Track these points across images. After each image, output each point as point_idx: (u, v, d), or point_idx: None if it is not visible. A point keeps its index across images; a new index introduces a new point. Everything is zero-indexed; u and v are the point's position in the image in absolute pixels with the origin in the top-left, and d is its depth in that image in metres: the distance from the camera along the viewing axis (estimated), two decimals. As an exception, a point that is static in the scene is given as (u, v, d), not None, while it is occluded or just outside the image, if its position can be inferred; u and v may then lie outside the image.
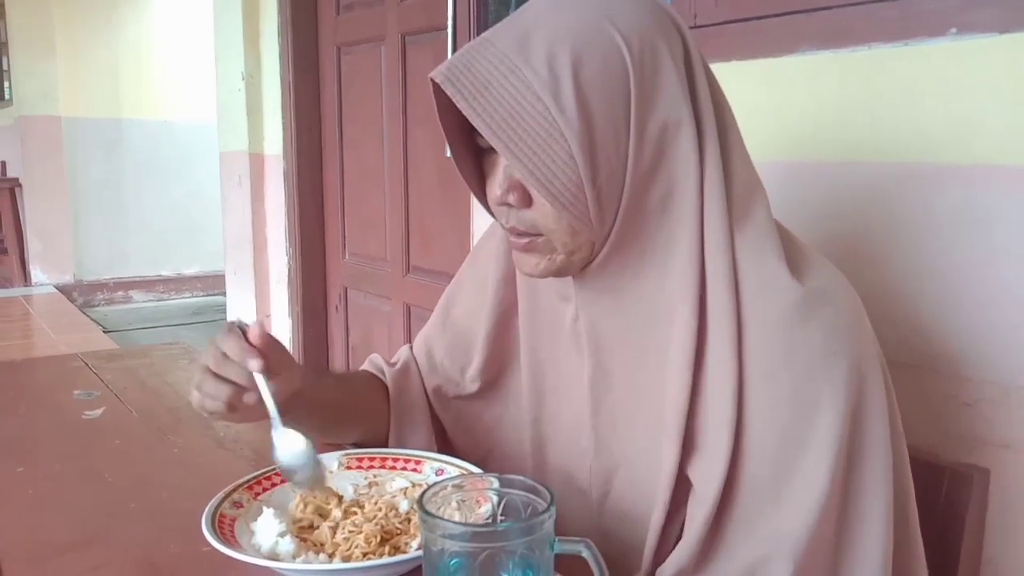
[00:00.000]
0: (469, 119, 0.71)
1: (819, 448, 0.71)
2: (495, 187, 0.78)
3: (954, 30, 1.04)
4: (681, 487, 0.77)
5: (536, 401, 0.93)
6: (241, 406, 0.79)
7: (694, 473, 0.75)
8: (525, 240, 0.78)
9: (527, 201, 0.76)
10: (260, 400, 0.79)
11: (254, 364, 0.78)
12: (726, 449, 0.72)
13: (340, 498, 0.80)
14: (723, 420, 0.72)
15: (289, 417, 0.82)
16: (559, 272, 0.79)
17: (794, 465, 0.71)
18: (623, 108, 0.72)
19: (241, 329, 0.80)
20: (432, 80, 0.75)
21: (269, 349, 0.80)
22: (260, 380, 0.78)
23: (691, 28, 1.37)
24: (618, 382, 0.83)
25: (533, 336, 0.92)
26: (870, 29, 1.13)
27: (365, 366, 1.08)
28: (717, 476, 0.72)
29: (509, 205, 0.77)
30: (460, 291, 1.05)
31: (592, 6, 0.74)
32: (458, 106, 0.71)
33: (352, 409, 0.98)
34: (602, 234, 0.75)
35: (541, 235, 0.77)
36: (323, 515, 0.78)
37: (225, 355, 0.79)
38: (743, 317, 0.73)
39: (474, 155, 0.83)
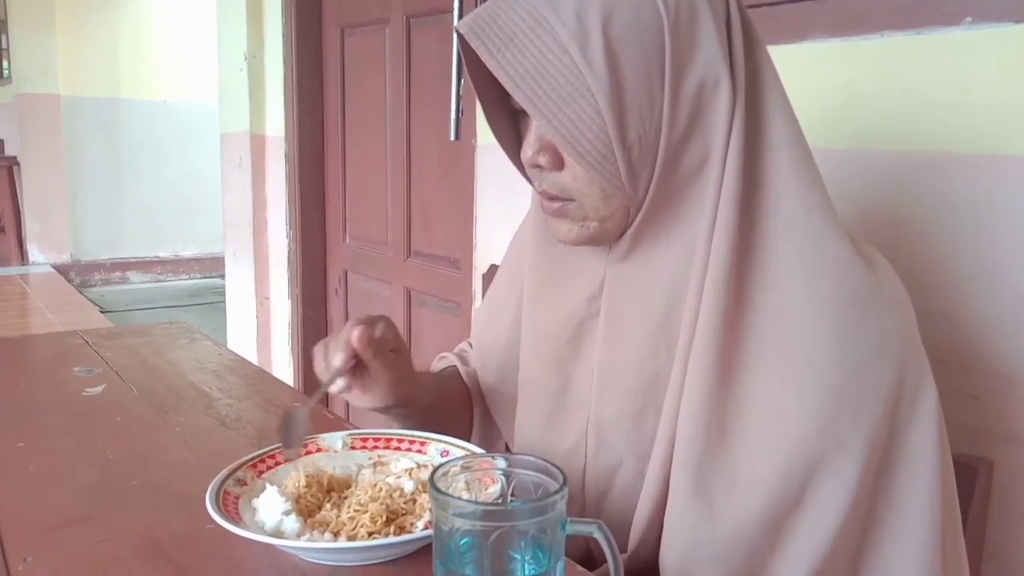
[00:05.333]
0: (493, 72, 0.69)
1: (853, 449, 0.68)
2: (527, 148, 0.75)
3: (969, 19, 1.03)
4: None
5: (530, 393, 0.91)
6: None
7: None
8: (556, 205, 0.75)
9: (559, 163, 0.74)
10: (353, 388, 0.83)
11: (338, 360, 0.80)
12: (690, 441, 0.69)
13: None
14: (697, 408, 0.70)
15: (393, 413, 0.88)
16: (593, 240, 0.77)
17: (828, 464, 0.68)
18: (657, 64, 0.68)
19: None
20: (458, 33, 0.72)
21: (370, 355, 0.81)
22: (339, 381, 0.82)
23: (702, 13, 1.36)
24: (627, 369, 0.79)
25: (536, 324, 0.89)
26: (884, 17, 1.12)
27: (441, 364, 1.08)
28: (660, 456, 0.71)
29: (541, 167, 0.75)
30: (494, 303, 1.03)
31: None
32: (482, 59, 0.69)
33: (446, 412, 0.98)
34: (636, 200, 0.72)
35: (573, 200, 0.74)
36: (321, 494, 0.78)
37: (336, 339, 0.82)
38: (790, 298, 0.69)
39: (511, 117, 0.81)
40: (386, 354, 0.83)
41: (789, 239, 0.71)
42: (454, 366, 1.06)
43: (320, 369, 0.83)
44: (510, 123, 0.81)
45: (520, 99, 0.68)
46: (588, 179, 0.72)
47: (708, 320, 0.70)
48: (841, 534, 0.68)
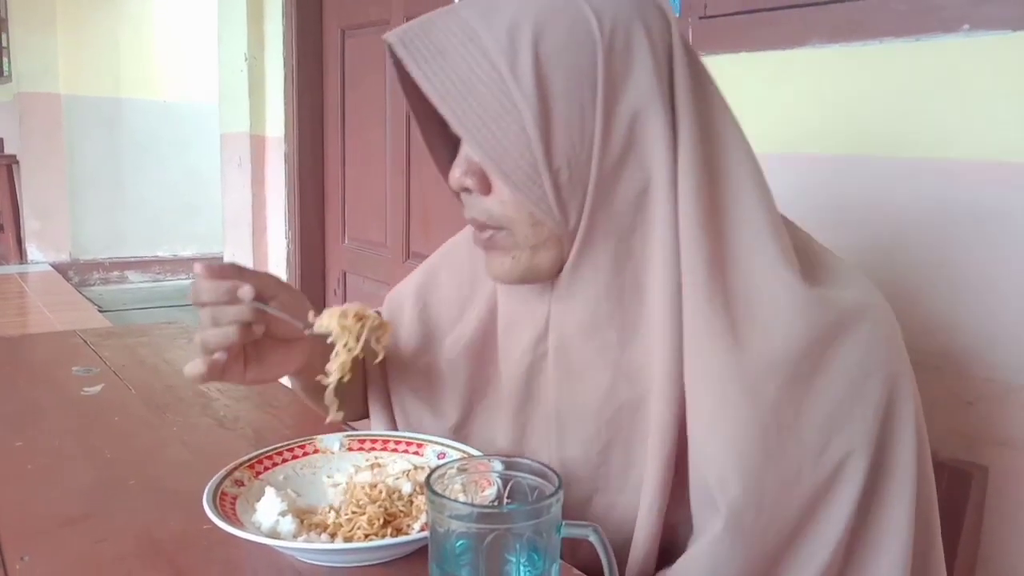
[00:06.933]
0: (419, 85, 0.67)
1: (847, 476, 0.67)
2: (455, 169, 0.73)
3: (967, 26, 1.03)
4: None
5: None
6: (250, 340, 0.76)
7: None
8: (487, 235, 0.73)
9: (486, 187, 0.72)
10: (275, 348, 0.77)
11: (246, 291, 0.74)
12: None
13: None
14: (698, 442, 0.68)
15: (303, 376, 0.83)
16: (527, 275, 0.74)
17: (821, 495, 0.67)
18: (589, 88, 0.67)
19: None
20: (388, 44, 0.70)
21: (252, 275, 0.77)
22: (259, 306, 0.74)
23: (701, 18, 1.37)
24: (587, 409, 0.76)
25: (505, 360, 0.85)
26: (882, 23, 1.13)
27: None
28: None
29: (468, 190, 0.73)
30: (438, 297, 0.96)
31: None
32: (409, 70, 0.67)
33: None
34: (568, 229, 0.70)
35: (502, 228, 0.72)
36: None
37: (212, 303, 0.74)
38: (754, 335, 0.67)
39: (450, 142, 0.79)
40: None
41: (745, 283, 0.69)
42: None
43: (226, 340, 0.75)
44: (448, 146, 0.79)
45: (445, 113, 0.67)
46: (516, 204, 0.70)
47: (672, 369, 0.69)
48: (832, 558, 0.68)
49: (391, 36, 0.69)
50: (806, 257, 0.72)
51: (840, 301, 0.69)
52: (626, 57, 0.68)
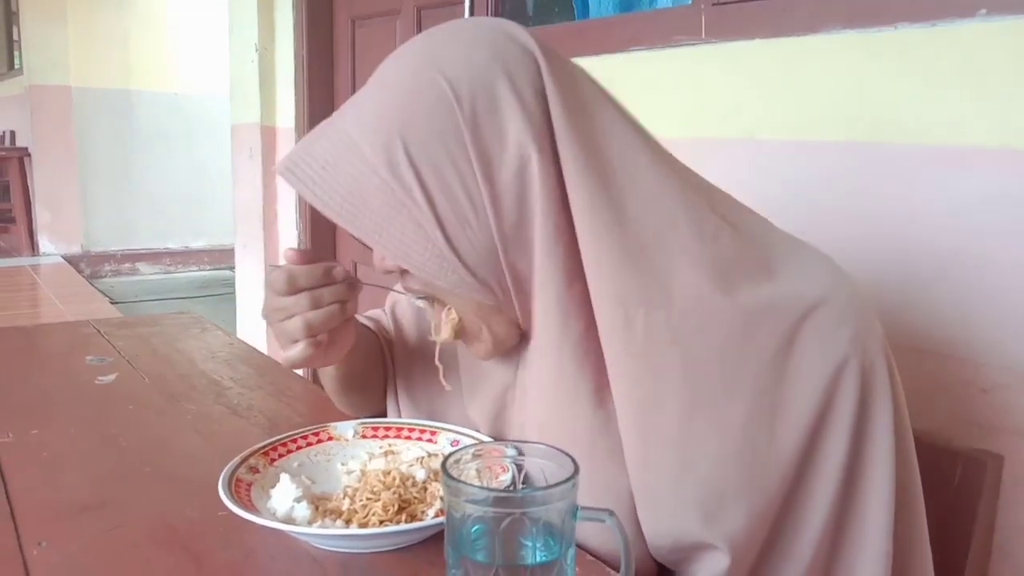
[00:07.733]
0: (314, 206, 0.69)
1: (826, 476, 0.67)
2: (375, 253, 0.74)
3: (984, 11, 1.02)
4: None
5: None
6: (344, 320, 0.77)
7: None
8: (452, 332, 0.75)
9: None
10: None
11: (341, 270, 0.76)
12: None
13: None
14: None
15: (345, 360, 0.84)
16: (500, 349, 0.76)
17: (800, 500, 0.68)
18: (465, 164, 0.66)
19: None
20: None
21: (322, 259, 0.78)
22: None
23: (715, 5, 1.36)
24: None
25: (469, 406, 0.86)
26: (897, 9, 1.12)
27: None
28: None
29: (390, 271, 0.74)
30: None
31: (421, 56, 0.69)
32: (300, 193, 0.69)
33: (372, 371, 0.95)
34: (498, 299, 0.71)
35: (436, 299, 0.74)
36: None
37: (310, 287, 0.75)
38: (701, 380, 0.66)
39: None
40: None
41: (681, 318, 0.66)
42: (366, 327, 0.99)
43: (330, 321, 0.75)
44: None
45: (344, 225, 0.68)
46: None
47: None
48: (812, 562, 0.68)
49: (279, 167, 0.70)
50: (748, 254, 0.69)
51: (787, 307, 0.66)
52: (493, 119, 0.66)
